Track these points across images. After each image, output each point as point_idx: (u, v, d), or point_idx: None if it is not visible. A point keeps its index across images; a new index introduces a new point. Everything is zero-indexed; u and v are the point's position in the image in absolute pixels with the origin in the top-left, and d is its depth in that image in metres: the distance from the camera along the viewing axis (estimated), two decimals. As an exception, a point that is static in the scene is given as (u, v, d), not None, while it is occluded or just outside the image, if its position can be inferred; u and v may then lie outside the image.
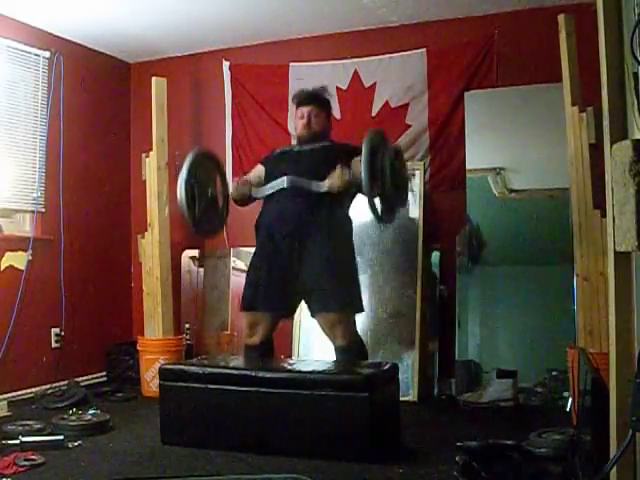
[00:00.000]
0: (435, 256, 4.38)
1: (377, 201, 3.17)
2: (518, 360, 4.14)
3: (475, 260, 4.26)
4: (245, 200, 3.53)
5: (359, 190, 3.22)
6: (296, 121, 3.52)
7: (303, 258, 3.29)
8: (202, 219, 3.37)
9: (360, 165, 3.11)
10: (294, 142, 3.62)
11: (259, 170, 3.59)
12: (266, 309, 3.38)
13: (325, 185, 3.25)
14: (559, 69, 3.69)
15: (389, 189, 3.15)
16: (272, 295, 3.34)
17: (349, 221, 3.47)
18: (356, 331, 3.39)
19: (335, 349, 3.36)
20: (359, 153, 3.15)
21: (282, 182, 3.33)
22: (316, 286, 3.28)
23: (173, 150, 4.77)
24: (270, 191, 3.38)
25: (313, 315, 3.40)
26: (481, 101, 4.31)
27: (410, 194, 4.32)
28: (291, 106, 3.63)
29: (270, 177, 3.46)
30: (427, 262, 4.28)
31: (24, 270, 4.24)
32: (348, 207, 3.45)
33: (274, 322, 3.46)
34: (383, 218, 3.29)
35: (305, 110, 3.45)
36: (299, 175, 3.32)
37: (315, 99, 3.49)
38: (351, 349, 3.30)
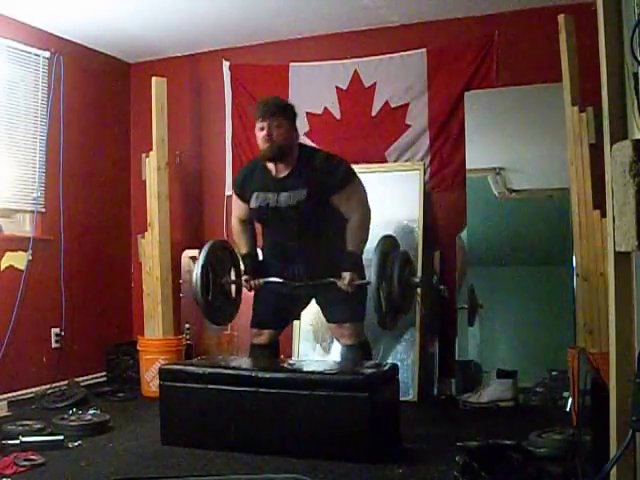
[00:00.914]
0: (435, 254, 4.38)
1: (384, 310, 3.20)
2: (518, 360, 4.14)
3: (473, 263, 4.27)
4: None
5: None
6: (257, 134, 3.24)
7: (312, 275, 3.29)
8: (215, 307, 3.40)
9: (343, 202, 3.19)
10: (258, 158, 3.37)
11: (244, 208, 3.41)
12: (275, 327, 3.46)
13: (334, 280, 3.23)
14: (559, 69, 3.70)
15: (397, 298, 3.18)
16: (281, 315, 3.45)
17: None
18: (363, 332, 3.43)
19: (341, 347, 3.43)
20: (338, 185, 3.18)
21: (290, 284, 3.30)
22: (327, 300, 3.35)
23: (173, 150, 4.78)
24: (278, 281, 3.34)
25: (328, 321, 3.47)
26: (481, 101, 4.31)
27: (409, 195, 4.36)
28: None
29: (258, 222, 3.43)
30: (427, 262, 4.28)
31: (24, 270, 4.24)
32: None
33: (282, 328, 3.56)
34: (387, 325, 3.31)
35: (265, 122, 3.18)
36: (292, 244, 3.26)
37: (275, 109, 3.22)
38: (357, 347, 3.35)
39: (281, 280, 3.31)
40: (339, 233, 3.26)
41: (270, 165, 3.28)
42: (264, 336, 3.43)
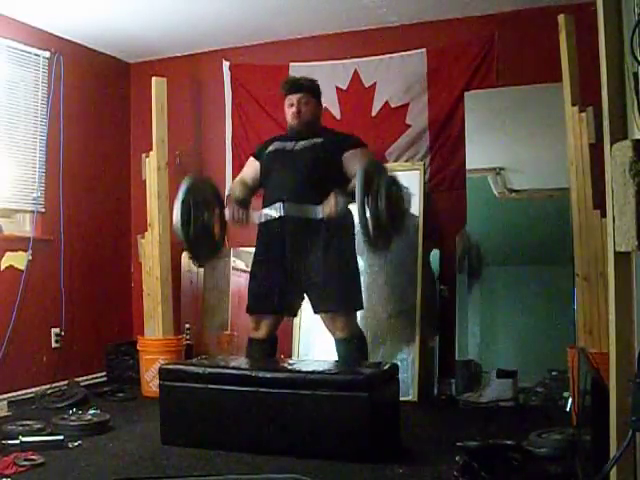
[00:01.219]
0: (435, 255, 4.38)
1: (371, 228, 3.14)
2: (518, 360, 4.14)
3: (473, 263, 4.27)
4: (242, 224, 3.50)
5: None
6: (286, 109, 3.49)
7: (304, 258, 3.31)
8: (197, 243, 3.36)
9: (352, 163, 3.26)
10: (288, 132, 3.58)
11: (254, 166, 3.59)
12: (270, 311, 3.45)
13: (320, 212, 3.26)
14: (559, 69, 3.69)
15: (384, 219, 3.12)
16: (275, 298, 3.41)
17: (350, 216, 3.44)
18: (357, 324, 3.44)
19: (335, 341, 3.42)
20: (351, 145, 3.32)
21: (278, 209, 3.33)
22: (317, 287, 3.34)
23: (173, 150, 4.78)
24: (265, 218, 3.38)
25: (315, 312, 3.46)
26: (481, 101, 4.31)
27: (410, 193, 4.35)
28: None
29: (265, 179, 3.50)
30: (427, 262, 4.28)
31: (24, 270, 4.24)
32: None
33: (278, 319, 3.53)
34: (378, 244, 3.26)
35: (295, 98, 3.43)
36: (293, 182, 3.33)
37: (304, 86, 3.47)
38: (351, 341, 3.36)
39: (267, 212, 3.32)
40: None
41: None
42: (262, 330, 3.44)
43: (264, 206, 3.46)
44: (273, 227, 3.40)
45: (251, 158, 3.66)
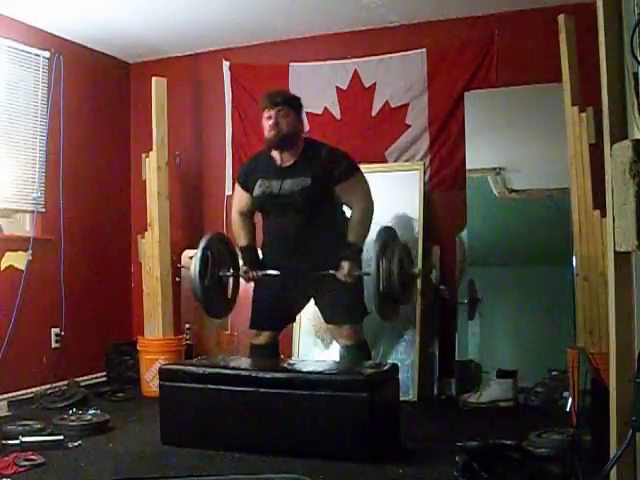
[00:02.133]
0: (435, 254, 4.38)
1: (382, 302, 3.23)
2: (518, 360, 4.14)
3: (473, 263, 4.27)
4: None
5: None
6: (264, 124, 3.29)
7: (309, 274, 3.29)
8: (212, 298, 3.42)
9: (346, 194, 3.22)
10: (265, 148, 3.41)
11: (245, 198, 3.44)
12: (273, 328, 3.46)
13: (333, 272, 3.22)
14: (559, 69, 3.70)
15: (396, 289, 3.18)
16: (278, 317, 3.45)
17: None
18: (361, 332, 3.42)
19: (340, 347, 3.43)
20: (342, 174, 3.21)
21: (289, 275, 3.30)
22: (324, 297, 3.35)
23: (173, 150, 4.78)
24: (276, 273, 3.34)
25: (325, 320, 3.48)
26: (481, 101, 4.31)
27: (409, 195, 4.36)
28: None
29: (262, 218, 3.44)
30: (427, 262, 4.28)
31: (24, 270, 4.24)
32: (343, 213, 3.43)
33: (280, 329, 3.55)
34: (387, 316, 3.33)
35: (273, 111, 3.25)
36: (291, 233, 3.27)
37: (283, 99, 3.30)
38: (356, 347, 3.35)
39: (280, 272, 3.30)
40: (341, 225, 3.28)
41: (275, 155, 3.31)
42: (263, 337, 3.44)
43: (268, 250, 3.43)
44: (276, 239, 3.40)
45: (238, 187, 3.51)
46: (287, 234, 3.30)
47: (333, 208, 3.31)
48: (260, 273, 3.36)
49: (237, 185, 3.53)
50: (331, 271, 3.20)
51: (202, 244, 3.37)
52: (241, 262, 3.50)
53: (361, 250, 3.27)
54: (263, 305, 3.43)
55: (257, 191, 3.32)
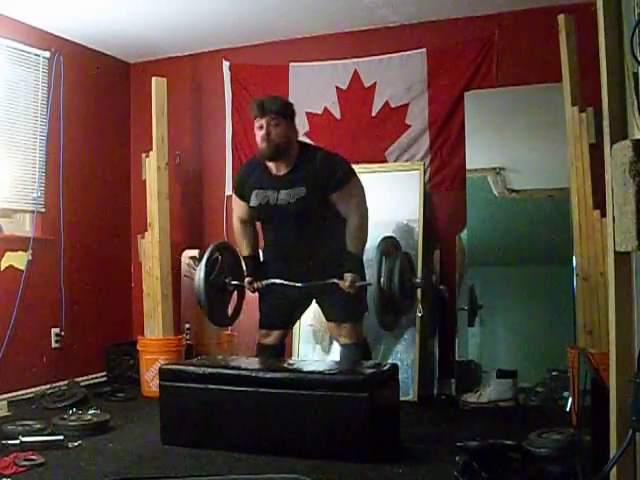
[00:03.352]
0: (435, 254, 4.38)
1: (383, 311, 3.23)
2: (518, 360, 4.14)
3: (473, 263, 4.27)
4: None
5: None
6: (256, 133, 3.23)
7: (313, 274, 3.29)
8: (217, 307, 3.44)
9: (342, 203, 3.20)
10: (257, 157, 3.38)
11: (244, 208, 3.42)
12: (284, 327, 3.49)
13: (337, 282, 3.23)
14: (559, 69, 3.70)
15: (397, 299, 3.18)
16: (286, 317, 3.47)
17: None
18: (362, 332, 3.43)
19: (340, 346, 3.44)
20: (338, 182, 3.19)
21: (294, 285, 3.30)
22: (326, 297, 3.35)
23: (173, 150, 4.78)
24: (281, 283, 3.34)
25: (326, 319, 3.48)
26: (481, 101, 4.31)
27: (409, 195, 4.36)
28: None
29: (261, 226, 3.45)
30: (427, 262, 4.28)
31: (24, 270, 4.24)
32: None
33: (288, 331, 3.59)
34: (387, 325, 3.33)
35: (263, 120, 3.17)
36: (290, 242, 3.28)
37: (273, 108, 3.19)
38: (356, 347, 3.35)
39: (283, 282, 3.31)
40: (338, 231, 3.26)
41: (270, 163, 3.28)
42: (273, 337, 3.44)
43: (269, 257, 3.44)
44: (276, 237, 3.40)
45: (235, 197, 3.49)
46: (286, 243, 3.31)
47: (330, 214, 3.28)
48: (264, 283, 3.37)
49: (234, 194, 3.53)
50: (335, 280, 3.22)
51: (205, 257, 3.37)
52: (245, 271, 3.50)
53: (361, 258, 3.28)
54: (270, 306, 3.44)
55: (254, 202, 3.31)
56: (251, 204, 3.33)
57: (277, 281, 3.33)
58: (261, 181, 3.31)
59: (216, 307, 3.44)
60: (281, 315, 3.45)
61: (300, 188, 3.19)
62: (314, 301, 3.47)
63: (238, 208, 3.48)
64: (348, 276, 3.20)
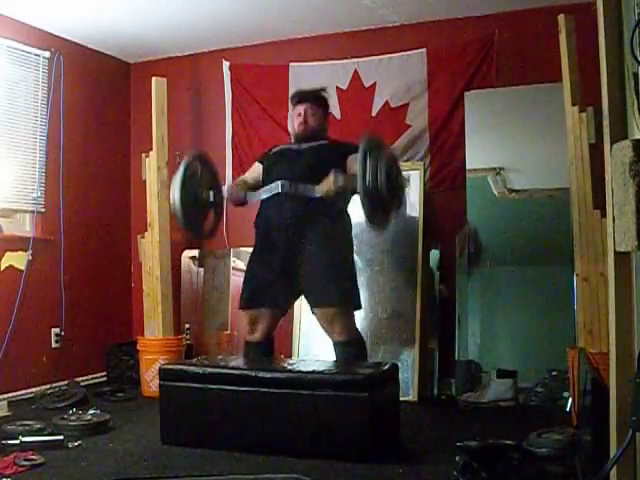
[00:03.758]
0: (435, 254, 4.38)
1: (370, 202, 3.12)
2: (518, 360, 4.14)
3: (473, 262, 4.26)
4: (240, 202, 3.52)
5: (355, 191, 3.18)
6: (293, 119, 3.57)
7: (301, 254, 3.29)
8: (196, 221, 3.39)
9: (356, 164, 3.13)
10: (293, 141, 3.61)
11: (257, 168, 3.62)
12: (263, 305, 3.40)
13: (318, 191, 3.24)
14: (559, 69, 3.69)
15: (383, 191, 3.08)
16: (270, 291, 3.37)
17: (348, 217, 3.48)
18: (355, 327, 3.41)
19: (334, 344, 3.37)
20: (356, 151, 3.18)
21: (276, 187, 3.32)
22: (314, 281, 3.31)
23: (173, 150, 4.77)
24: (265, 195, 3.40)
25: (312, 309, 3.43)
26: (481, 101, 4.31)
27: (408, 195, 4.35)
28: (290, 107, 3.64)
29: (267, 175, 3.49)
30: (427, 262, 4.28)
31: (24, 270, 4.24)
32: (347, 203, 3.45)
33: (274, 319, 3.48)
34: (376, 221, 3.24)
35: (302, 108, 3.49)
36: (295, 175, 3.33)
37: (312, 97, 3.54)
38: (350, 344, 3.32)
39: (267, 190, 3.32)
40: (339, 209, 3.36)
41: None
42: (258, 332, 3.42)
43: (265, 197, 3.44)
44: (271, 215, 3.38)
45: (255, 163, 3.69)
46: (292, 177, 3.31)
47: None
48: (255, 192, 3.39)
49: (255, 163, 3.67)
50: (316, 187, 3.21)
51: (183, 164, 3.31)
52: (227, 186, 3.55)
53: (353, 180, 3.17)
54: (254, 280, 3.42)
55: (275, 150, 3.55)
56: (272, 152, 3.54)
57: (258, 192, 3.35)
58: (288, 144, 3.62)
59: (193, 219, 3.37)
60: (265, 290, 3.35)
61: (323, 141, 3.47)
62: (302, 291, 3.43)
63: (249, 172, 3.64)
64: (330, 173, 3.19)
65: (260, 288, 3.39)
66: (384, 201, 3.12)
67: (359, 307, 3.46)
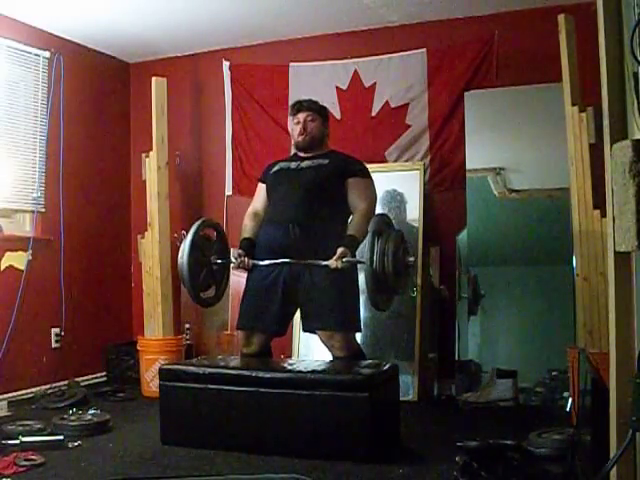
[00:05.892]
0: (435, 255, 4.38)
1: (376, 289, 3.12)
2: (518, 360, 4.14)
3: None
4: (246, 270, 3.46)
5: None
6: (293, 130, 3.48)
7: (302, 278, 3.24)
8: (202, 287, 3.38)
9: (354, 191, 3.27)
10: (294, 150, 3.52)
11: (262, 191, 3.53)
12: (259, 329, 3.35)
13: (326, 264, 3.16)
14: (559, 69, 3.70)
15: (390, 275, 3.08)
16: (267, 318, 3.30)
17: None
18: (355, 342, 3.35)
19: (334, 357, 3.30)
20: (357, 172, 3.31)
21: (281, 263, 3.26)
22: (314, 303, 3.25)
23: (173, 150, 4.78)
24: (268, 263, 3.30)
25: (309, 330, 3.36)
26: (481, 101, 4.31)
27: (409, 195, 4.36)
28: (290, 118, 3.55)
29: (270, 193, 3.47)
30: (427, 262, 4.28)
31: (24, 270, 4.24)
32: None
33: (269, 337, 3.42)
34: (379, 304, 3.20)
35: (301, 116, 3.43)
36: (294, 200, 3.28)
37: (310, 106, 3.48)
38: (349, 358, 3.24)
39: (272, 261, 3.26)
40: (340, 220, 3.30)
41: (301, 154, 3.47)
42: (253, 346, 3.35)
43: (267, 222, 3.41)
44: (271, 240, 3.36)
45: (259, 184, 3.58)
46: (290, 203, 3.29)
47: (341, 198, 3.31)
48: (252, 262, 3.32)
49: (259, 183, 3.60)
50: (322, 262, 3.14)
51: (192, 229, 3.30)
52: (235, 251, 3.46)
53: (359, 243, 3.20)
54: (251, 305, 3.34)
55: (274, 168, 3.48)
56: (272, 170, 3.47)
57: (262, 263, 3.28)
58: (287, 159, 3.53)
59: (200, 285, 3.34)
60: (262, 314, 3.29)
61: (323, 160, 3.39)
62: (298, 310, 3.38)
63: (256, 196, 3.58)
64: (339, 249, 3.13)
65: (255, 314, 3.32)
66: (389, 284, 3.13)
67: (359, 331, 3.41)
